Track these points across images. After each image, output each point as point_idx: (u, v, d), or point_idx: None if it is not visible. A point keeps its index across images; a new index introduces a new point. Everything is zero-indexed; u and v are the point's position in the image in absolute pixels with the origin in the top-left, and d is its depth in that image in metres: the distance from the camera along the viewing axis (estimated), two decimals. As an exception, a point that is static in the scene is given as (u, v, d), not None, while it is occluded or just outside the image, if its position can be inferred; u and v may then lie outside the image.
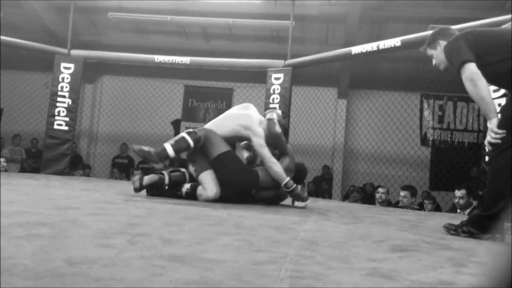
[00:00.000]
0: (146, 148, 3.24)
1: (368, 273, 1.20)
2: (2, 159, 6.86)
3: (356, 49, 5.25)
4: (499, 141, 2.25)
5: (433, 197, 6.43)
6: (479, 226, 2.29)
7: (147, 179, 3.34)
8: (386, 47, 4.95)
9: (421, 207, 5.68)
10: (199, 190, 3.27)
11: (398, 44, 4.85)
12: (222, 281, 0.99)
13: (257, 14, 7.30)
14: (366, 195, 7.11)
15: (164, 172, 3.39)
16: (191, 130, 3.36)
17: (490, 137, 2.28)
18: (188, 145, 3.24)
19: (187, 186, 3.33)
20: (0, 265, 0.80)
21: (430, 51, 2.69)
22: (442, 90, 8.59)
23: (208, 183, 3.23)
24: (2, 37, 6.13)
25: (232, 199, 3.22)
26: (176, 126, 9.69)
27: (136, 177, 3.38)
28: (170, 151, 3.22)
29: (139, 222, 1.87)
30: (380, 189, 5.81)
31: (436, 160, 8.68)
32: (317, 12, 7.22)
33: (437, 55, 2.63)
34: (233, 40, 8.46)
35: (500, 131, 2.24)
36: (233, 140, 3.51)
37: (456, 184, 5.11)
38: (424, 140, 8.87)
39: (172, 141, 3.29)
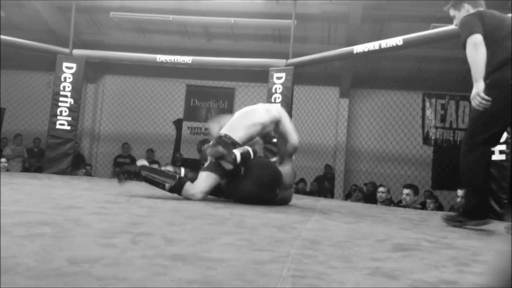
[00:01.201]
0: (221, 149, 3.16)
1: (370, 272, 1.20)
2: (3, 159, 6.87)
3: (358, 48, 5.25)
4: (485, 106, 2.48)
5: (435, 196, 6.42)
6: (466, 215, 2.60)
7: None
8: (388, 46, 4.95)
9: (423, 206, 5.67)
10: (187, 185, 3.14)
11: (400, 43, 4.85)
12: (224, 280, 0.99)
13: (259, 13, 7.31)
14: (368, 195, 7.11)
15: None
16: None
17: (477, 102, 2.51)
18: (250, 157, 3.24)
19: (169, 182, 3.15)
20: (0, 265, 0.80)
21: (453, 12, 2.89)
22: (444, 89, 8.58)
23: (203, 182, 3.16)
24: (5, 37, 6.14)
25: (256, 198, 3.15)
26: (178, 125, 9.71)
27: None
28: (239, 157, 3.16)
29: (141, 222, 1.87)
30: (380, 189, 5.81)
31: (438, 159, 8.67)
32: (319, 11, 7.22)
33: (460, 16, 2.80)
34: (235, 39, 8.46)
35: (486, 97, 2.46)
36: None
37: (458, 183, 5.10)
38: (426, 139, 8.86)
39: (240, 149, 3.22)
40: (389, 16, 7.23)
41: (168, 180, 3.14)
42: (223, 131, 3.36)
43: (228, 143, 3.23)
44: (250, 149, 3.26)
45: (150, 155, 9.19)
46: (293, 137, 3.39)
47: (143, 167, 3.22)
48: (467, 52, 2.58)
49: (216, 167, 3.19)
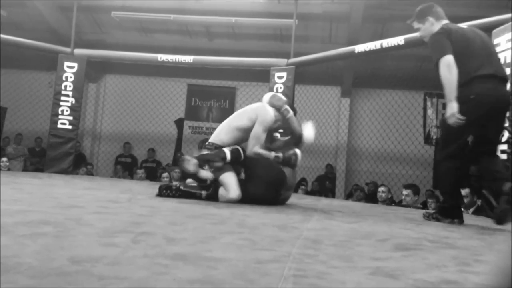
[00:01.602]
0: (205, 152, 3.25)
1: (371, 272, 1.20)
2: (4, 159, 6.88)
3: (359, 48, 5.24)
4: (459, 123, 2.69)
5: (436, 196, 6.41)
6: (443, 213, 2.94)
7: (204, 173, 3.30)
8: (389, 45, 4.94)
9: (424, 206, 5.67)
10: (221, 191, 3.21)
11: (402, 42, 4.84)
12: (225, 279, 0.99)
13: (260, 13, 7.30)
14: (369, 194, 7.11)
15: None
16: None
17: (452, 121, 2.71)
18: (240, 156, 3.24)
19: (204, 192, 3.27)
20: (1, 264, 0.80)
21: (418, 25, 3.13)
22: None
23: (231, 184, 3.18)
24: (6, 36, 6.15)
25: (262, 198, 3.16)
26: (180, 125, 9.71)
27: (194, 161, 3.28)
28: (229, 155, 3.19)
29: (143, 221, 1.87)
30: (380, 188, 5.81)
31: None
32: (321, 11, 7.22)
33: (425, 28, 3.09)
34: (236, 39, 8.46)
35: (462, 117, 2.68)
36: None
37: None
38: (427, 139, 8.84)
39: (230, 148, 3.25)
40: (390, 16, 7.22)
41: (204, 190, 3.26)
42: (210, 139, 3.44)
43: (212, 149, 3.29)
44: (239, 148, 3.28)
45: (151, 154, 9.20)
46: (249, 145, 3.31)
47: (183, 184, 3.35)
48: (441, 73, 2.78)
49: (226, 166, 3.22)
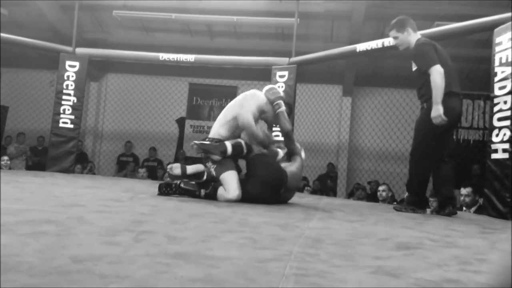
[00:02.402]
0: (207, 142, 3.24)
1: (373, 271, 1.20)
2: (5, 157, 6.89)
3: (361, 47, 5.24)
4: (443, 124, 3.12)
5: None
6: (416, 205, 3.39)
7: (191, 167, 3.29)
8: (391, 44, 4.93)
9: (426, 204, 5.65)
10: (220, 190, 3.18)
11: (403, 41, 4.83)
12: (227, 278, 1.00)
13: (261, 12, 7.29)
14: (371, 193, 7.10)
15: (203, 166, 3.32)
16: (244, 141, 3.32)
17: (438, 121, 3.12)
18: (242, 150, 3.24)
19: (202, 191, 3.25)
20: (1, 263, 0.80)
21: (397, 34, 3.47)
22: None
23: (231, 184, 3.14)
24: (8, 35, 6.16)
25: (259, 198, 3.14)
26: (181, 124, 9.72)
27: (176, 164, 3.31)
28: (229, 149, 3.19)
29: (144, 220, 1.88)
30: (380, 187, 5.80)
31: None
32: (322, 10, 7.21)
33: (404, 38, 3.46)
34: (238, 37, 8.46)
35: (446, 118, 3.09)
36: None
37: (461, 182, 5.09)
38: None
39: (232, 141, 3.24)
40: (392, 15, 7.18)
41: (203, 188, 3.24)
42: (209, 135, 3.43)
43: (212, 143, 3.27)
44: (242, 142, 3.27)
45: (152, 153, 9.21)
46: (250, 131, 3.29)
47: (182, 179, 3.27)
48: (435, 79, 3.16)
49: (229, 164, 3.21)
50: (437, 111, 3.12)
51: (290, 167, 3.32)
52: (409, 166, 3.51)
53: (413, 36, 3.46)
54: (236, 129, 3.36)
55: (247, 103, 3.34)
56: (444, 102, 3.15)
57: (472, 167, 7.84)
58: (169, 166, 3.33)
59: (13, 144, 8.67)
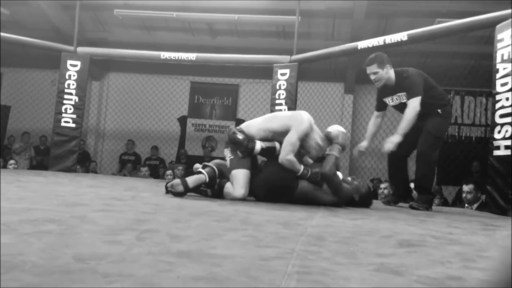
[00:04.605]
0: (240, 137, 3.18)
1: (375, 269, 1.20)
2: (13, 161, 6.94)
3: (362, 44, 5.23)
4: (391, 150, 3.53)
5: (440, 191, 6.39)
6: (430, 203, 3.64)
7: (192, 180, 3.13)
8: (392, 41, 4.93)
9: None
10: (227, 187, 3.17)
11: (405, 38, 4.82)
12: (229, 276, 1.00)
13: (263, 10, 7.29)
14: (373, 191, 7.09)
15: (203, 170, 3.22)
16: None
17: (390, 147, 3.50)
18: (275, 149, 3.20)
19: (209, 191, 3.24)
20: (0, 263, 0.80)
21: (377, 69, 3.62)
22: (449, 85, 8.52)
23: (239, 182, 3.13)
24: (9, 35, 6.17)
25: (265, 198, 3.15)
26: (183, 122, 9.72)
27: (177, 181, 3.12)
28: (258, 147, 3.16)
29: (147, 219, 1.88)
30: (382, 185, 5.79)
31: (443, 155, 8.60)
32: (323, 7, 7.20)
33: (383, 74, 3.63)
34: (239, 36, 8.46)
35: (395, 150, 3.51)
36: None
37: (463, 178, 5.08)
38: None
39: (265, 143, 3.21)
40: (393, 12, 7.20)
41: (209, 188, 3.23)
42: (241, 126, 3.37)
43: (244, 137, 3.22)
44: (277, 145, 3.23)
45: (154, 152, 9.22)
46: (283, 151, 3.17)
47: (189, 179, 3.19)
48: (413, 109, 3.48)
49: (245, 162, 3.18)
50: (397, 139, 3.46)
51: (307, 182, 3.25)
52: (420, 166, 3.63)
53: (391, 72, 3.66)
54: (274, 137, 3.30)
55: (299, 130, 3.19)
56: (449, 109, 3.75)
57: (472, 164, 7.83)
58: (169, 184, 3.17)
59: (17, 143, 8.69)
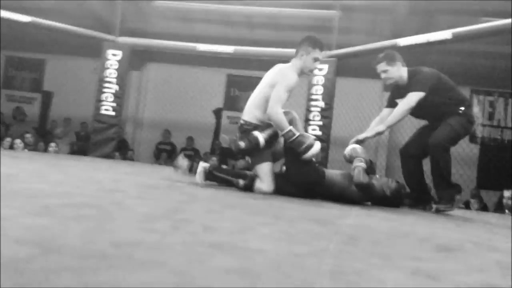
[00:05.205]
0: (242, 145, 3.16)
1: (411, 272, 1.17)
2: (53, 144, 7.14)
3: (403, 41, 5.12)
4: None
5: (480, 196, 6.21)
6: (451, 199, 3.39)
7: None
8: (436, 39, 4.80)
9: (467, 206, 5.50)
10: (257, 183, 3.18)
11: (449, 36, 4.69)
12: (261, 271, 0.99)
13: (302, 4, 7.23)
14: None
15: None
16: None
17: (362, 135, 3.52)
18: (277, 137, 3.19)
19: (241, 181, 3.24)
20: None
21: (386, 67, 3.47)
22: (494, 86, 8.25)
23: (265, 176, 3.14)
24: (54, 23, 6.33)
25: (292, 193, 3.14)
26: (218, 114, 9.78)
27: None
28: (262, 140, 3.13)
29: (181, 208, 1.90)
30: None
31: (484, 158, 8.36)
32: (365, 2, 7.08)
33: (394, 71, 3.47)
34: (278, 29, 8.41)
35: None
36: None
37: (504, 183, 4.92)
38: (472, 137, 8.54)
39: (265, 133, 3.17)
40: (438, 8, 7.00)
41: (241, 179, 3.22)
42: (243, 116, 3.35)
43: (249, 129, 3.19)
44: (277, 131, 3.18)
45: (190, 142, 9.32)
46: (271, 103, 3.11)
47: (213, 167, 3.28)
48: (408, 101, 3.35)
49: (265, 154, 3.17)
50: (371, 133, 3.51)
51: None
52: (440, 161, 3.37)
53: (402, 70, 3.48)
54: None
55: (284, 83, 3.19)
56: (471, 111, 3.60)
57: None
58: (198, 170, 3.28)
59: (58, 128, 8.96)
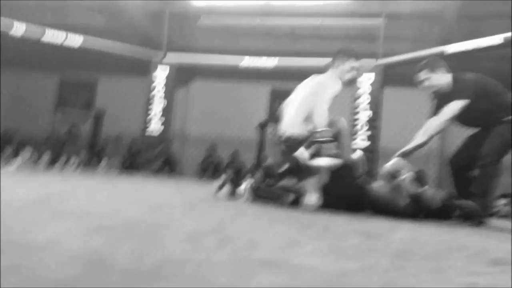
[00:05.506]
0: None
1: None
2: (105, 161, 7.39)
3: (450, 48, 4.97)
4: None
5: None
6: (482, 211, 3.15)
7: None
8: (486, 45, 4.63)
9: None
10: (305, 197, 3.14)
11: (501, 41, 4.51)
12: (310, 288, 0.98)
13: (346, 12, 7.17)
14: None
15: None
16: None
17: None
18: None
19: (288, 196, 3.22)
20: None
21: (429, 74, 3.35)
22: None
23: (311, 189, 3.12)
24: (105, 41, 6.56)
25: (338, 206, 3.09)
26: (262, 128, 9.81)
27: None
28: (306, 156, 3.17)
29: (228, 223, 1.91)
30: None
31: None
32: (411, 9, 6.94)
33: (437, 78, 3.33)
34: (322, 39, 8.38)
35: None
36: None
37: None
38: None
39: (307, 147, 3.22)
40: (487, 13, 6.76)
41: (288, 194, 3.20)
42: (284, 129, 3.39)
43: (295, 145, 3.21)
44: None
45: (235, 156, 9.39)
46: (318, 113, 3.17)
47: (259, 182, 3.33)
48: (449, 110, 3.17)
49: (313, 169, 3.16)
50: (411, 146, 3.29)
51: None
52: (488, 174, 3.21)
53: (445, 77, 3.31)
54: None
55: (325, 96, 3.25)
56: None
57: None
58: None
59: (111, 144, 9.28)
